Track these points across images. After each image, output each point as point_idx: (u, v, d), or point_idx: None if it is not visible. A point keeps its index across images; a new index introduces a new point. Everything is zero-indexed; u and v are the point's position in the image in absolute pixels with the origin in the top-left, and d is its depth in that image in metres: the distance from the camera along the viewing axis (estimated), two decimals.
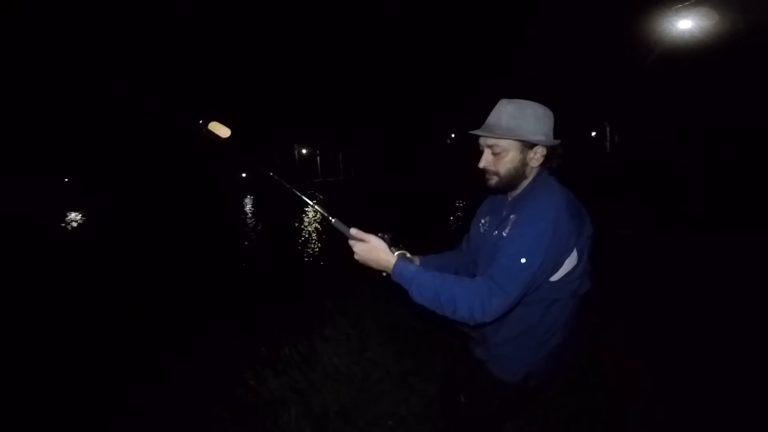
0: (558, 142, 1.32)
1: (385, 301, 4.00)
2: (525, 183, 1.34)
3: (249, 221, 17.85)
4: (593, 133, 31.78)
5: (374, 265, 1.28)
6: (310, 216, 16.73)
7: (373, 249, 1.26)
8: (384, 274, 1.32)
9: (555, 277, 1.25)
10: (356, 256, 1.28)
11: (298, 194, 1.35)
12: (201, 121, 1.31)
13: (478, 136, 1.35)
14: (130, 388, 3.39)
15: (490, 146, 1.32)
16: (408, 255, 1.31)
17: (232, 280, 7.27)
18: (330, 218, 1.29)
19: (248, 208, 23.64)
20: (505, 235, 1.26)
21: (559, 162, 1.35)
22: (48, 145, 33.05)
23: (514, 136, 1.27)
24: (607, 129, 30.24)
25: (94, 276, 8.18)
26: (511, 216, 1.28)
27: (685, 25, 7.57)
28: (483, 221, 1.51)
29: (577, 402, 2.44)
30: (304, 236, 12.25)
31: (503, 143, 1.29)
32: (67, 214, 24.96)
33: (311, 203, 1.32)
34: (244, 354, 3.20)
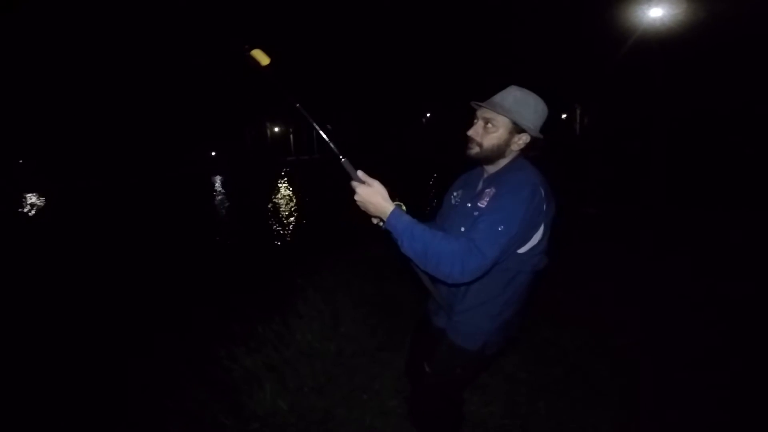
0: (542, 136, 1.42)
1: (360, 277, 4.06)
2: (502, 162, 1.44)
3: (219, 200, 17.46)
4: (563, 116, 32.44)
5: (372, 209, 1.31)
6: (282, 193, 16.54)
7: (375, 193, 1.29)
8: (376, 222, 1.40)
9: (522, 249, 1.35)
10: (357, 197, 1.31)
11: (319, 129, 1.35)
12: (246, 46, 1.35)
13: (468, 113, 1.46)
14: (103, 371, 3.32)
15: (486, 119, 1.42)
16: (403, 208, 1.37)
17: (202, 261, 7.15)
18: (340, 156, 1.32)
19: (218, 187, 23.06)
20: (480, 205, 1.35)
21: (536, 154, 1.45)
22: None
23: (509, 117, 1.38)
24: (578, 111, 30.94)
25: (61, 260, 7.86)
26: (487, 189, 1.38)
27: (656, 13, 7.76)
28: (455, 194, 1.61)
29: (539, 376, 2.56)
30: (275, 215, 12.12)
31: (498, 120, 1.40)
32: (25, 197, 23.63)
33: (327, 139, 1.34)
34: (217, 333, 3.19)
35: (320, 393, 2.42)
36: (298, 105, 1.34)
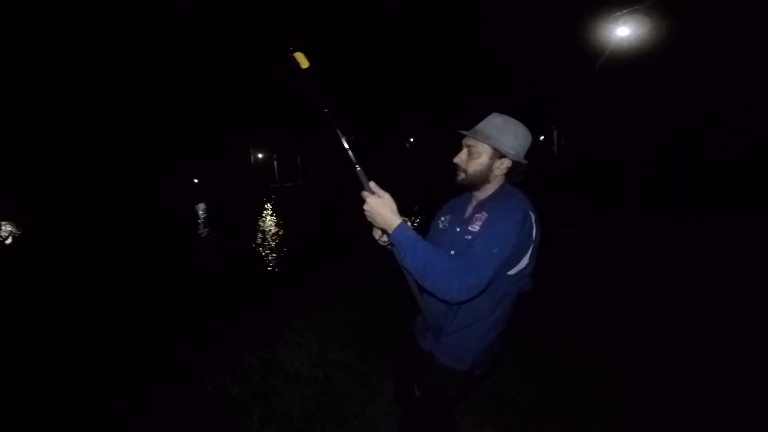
0: (525, 162, 1.48)
1: (347, 302, 4.04)
2: (488, 187, 1.49)
3: (202, 228, 17.22)
4: (541, 137, 33.35)
5: (379, 220, 1.34)
6: (267, 220, 16.44)
7: (384, 205, 1.33)
8: (379, 235, 1.44)
9: (512, 272, 1.39)
10: (366, 207, 1.34)
11: (341, 136, 1.37)
12: (291, 48, 1.40)
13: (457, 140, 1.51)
14: (83, 402, 3.18)
15: (468, 146, 1.48)
16: (408, 223, 1.39)
17: (185, 289, 6.99)
18: (356, 165, 1.35)
19: (201, 214, 22.77)
20: (472, 230, 1.39)
21: (520, 179, 1.51)
22: None
23: (489, 143, 1.43)
24: (555, 133, 31.86)
25: (39, 288, 7.58)
26: (478, 214, 1.42)
27: (623, 32, 8.16)
28: (443, 218, 1.65)
29: (530, 395, 2.57)
30: (260, 242, 11.99)
31: (479, 147, 1.45)
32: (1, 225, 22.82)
33: (347, 147, 1.37)
34: (201, 362, 3.11)
35: (309, 420, 2.38)
36: (326, 110, 1.38)
